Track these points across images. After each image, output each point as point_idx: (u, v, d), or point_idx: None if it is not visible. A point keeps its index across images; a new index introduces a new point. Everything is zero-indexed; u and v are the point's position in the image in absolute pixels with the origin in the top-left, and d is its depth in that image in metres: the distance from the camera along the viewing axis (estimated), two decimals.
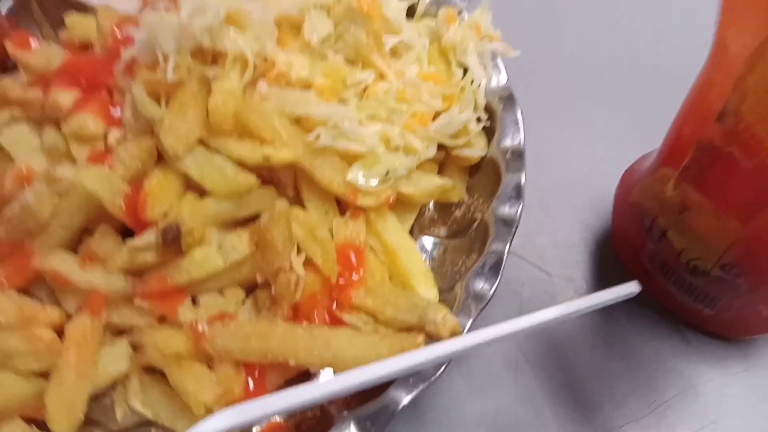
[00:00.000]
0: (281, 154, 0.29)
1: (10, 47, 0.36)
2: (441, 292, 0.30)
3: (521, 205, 0.29)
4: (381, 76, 0.32)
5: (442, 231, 0.33)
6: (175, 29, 0.29)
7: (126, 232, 0.30)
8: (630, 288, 0.24)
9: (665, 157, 0.26)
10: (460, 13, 0.36)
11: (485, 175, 0.32)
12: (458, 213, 0.33)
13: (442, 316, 0.26)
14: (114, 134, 0.30)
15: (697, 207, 0.25)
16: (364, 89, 0.32)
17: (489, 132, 0.33)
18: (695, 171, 0.24)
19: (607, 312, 0.28)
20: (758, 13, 0.19)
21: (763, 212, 0.22)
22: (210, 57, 0.30)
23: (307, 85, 0.31)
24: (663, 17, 0.41)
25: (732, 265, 0.25)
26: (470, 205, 0.33)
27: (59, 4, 0.40)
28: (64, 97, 0.30)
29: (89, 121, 0.29)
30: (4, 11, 0.40)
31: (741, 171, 0.22)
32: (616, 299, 0.23)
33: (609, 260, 0.32)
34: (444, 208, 0.34)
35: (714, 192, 0.24)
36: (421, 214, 0.34)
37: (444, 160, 0.33)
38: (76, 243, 0.30)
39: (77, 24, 0.35)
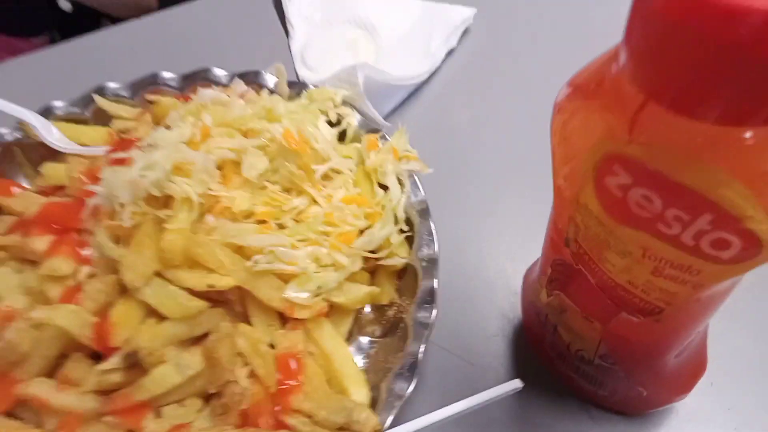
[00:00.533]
0: (224, 281, 0.33)
1: None
2: (373, 388, 0.34)
3: (434, 310, 0.34)
4: (314, 201, 0.38)
5: (378, 330, 0.38)
6: (128, 183, 0.34)
7: (97, 354, 0.34)
8: (514, 384, 0.28)
9: (542, 269, 0.31)
10: (382, 137, 0.41)
11: (410, 279, 0.37)
12: (391, 312, 0.38)
13: (365, 416, 0.30)
14: (83, 271, 0.35)
15: (569, 309, 0.29)
16: (299, 213, 0.37)
17: (411, 240, 0.38)
18: (559, 281, 0.28)
19: (523, 396, 0.33)
20: (573, 174, 0.24)
21: (616, 317, 0.27)
22: (162, 200, 0.36)
23: (249, 215, 0.37)
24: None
25: (607, 356, 0.30)
26: (400, 306, 0.37)
27: (38, 148, 0.46)
28: (39, 243, 0.36)
29: (62, 265, 0.34)
30: None
31: (590, 284, 0.27)
32: (503, 395, 0.28)
33: (523, 348, 0.37)
34: (379, 308, 0.38)
35: (576, 299, 0.28)
36: (360, 314, 0.38)
37: (375, 266, 0.38)
38: (53, 368, 0.35)
39: (52, 171, 0.41)
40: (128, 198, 0.34)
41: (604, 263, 0.25)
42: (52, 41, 0.73)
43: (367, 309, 0.39)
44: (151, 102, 0.47)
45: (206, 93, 0.40)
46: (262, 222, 0.37)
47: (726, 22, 0.15)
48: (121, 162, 0.37)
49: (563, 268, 0.28)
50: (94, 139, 0.45)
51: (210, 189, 0.36)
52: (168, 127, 0.38)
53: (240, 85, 0.43)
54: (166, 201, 0.36)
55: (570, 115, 0.24)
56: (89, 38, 0.62)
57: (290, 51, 0.56)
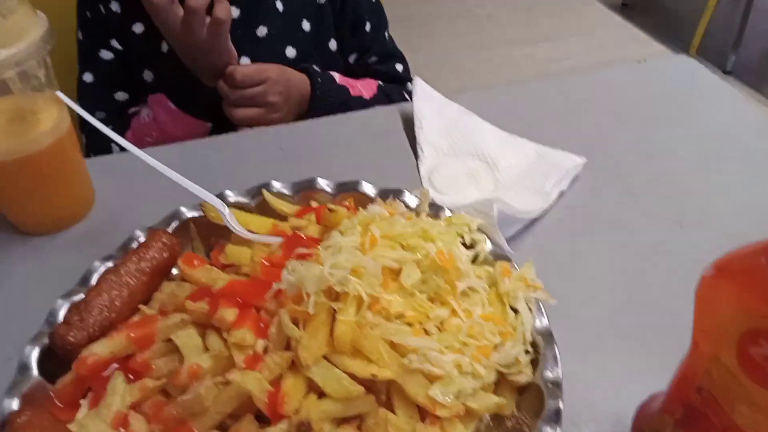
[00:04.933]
0: (384, 373, 0.39)
1: (181, 263, 0.50)
2: None
3: (559, 429, 0.39)
4: (454, 313, 0.44)
5: None
6: (317, 278, 0.41)
7: (261, 417, 0.40)
8: None
9: (665, 407, 0.36)
10: (511, 262, 0.48)
11: (531, 396, 0.42)
12: (509, 424, 0.43)
13: None
14: (261, 344, 0.42)
15: None
16: (442, 322, 0.44)
17: (535, 361, 0.44)
18: (686, 423, 0.33)
19: None
20: (714, 337, 0.30)
21: None
22: (334, 294, 0.43)
23: (400, 317, 0.43)
24: (678, 269, 0.53)
25: None
26: (519, 419, 0.42)
27: (208, 227, 0.55)
28: (228, 314, 0.43)
29: (247, 336, 0.41)
30: (170, 230, 0.54)
31: (717, 428, 0.32)
32: None
33: None
34: (498, 418, 0.43)
35: None
36: (480, 420, 0.43)
37: (498, 380, 0.44)
38: (223, 425, 0.40)
39: (236, 253, 0.49)
40: (314, 289, 0.41)
41: (735, 413, 0.31)
42: (214, 126, 0.84)
43: (486, 417, 0.44)
44: (311, 203, 0.56)
45: (374, 209, 0.48)
46: (408, 324, 0.43)
47: None
48: (305, 257, 0.44)
49: (692, 412, 0.33)
50: (260, 228, 0.53)
51: (375, 290, 0.43)
52: (341, 233, 0.46)
53: (400, 206, 0.51)
54: (337, 294, 0.43)
55: (716, 290, 0.31)
56: (246, 135, 0.73)
57: (418, 172, 0.65)
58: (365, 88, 0.90)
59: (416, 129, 0.68)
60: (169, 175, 0.53)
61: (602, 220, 0.60)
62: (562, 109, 0.75)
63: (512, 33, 2.89)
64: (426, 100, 0.70)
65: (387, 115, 0.74)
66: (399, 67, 0.98)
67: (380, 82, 0.92)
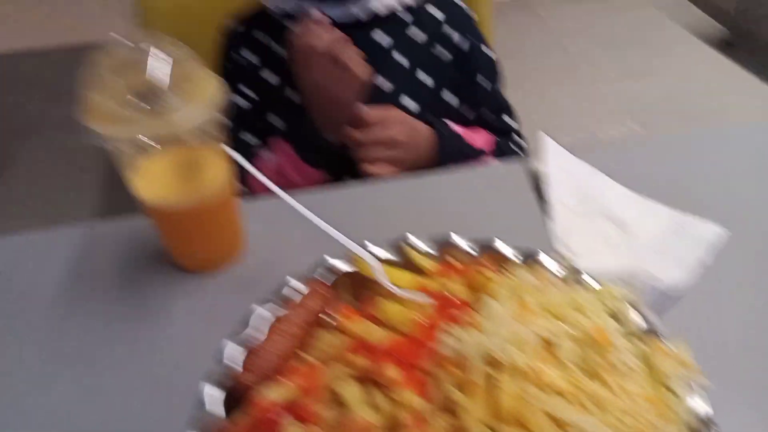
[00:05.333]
0: None
1: (339, 315, 0.53)
2: None
3: None
4: (609, 389, 0.45)
5: None
6: (479, 345, 0.43)
7: None
8: None
9: None
10: (663, 339, 0.48)
11: None
12: None
13: None
14: (422, 405, 0.44)
15: None
16: (597, 399, 0.44)
17: None
18: None
19: None
20: None
21: None
22: (493, 362, 0.44)
23: (555, 390, 0.44)
24: None
25: None
26: None
27: (355, 277, 0.58)
28: (393, 373, 0.45)
29: (414, 398, 0.44)
30: (324, 276, 0.58)
31: None
32: None
33: None
34: None
35: None
36: None
37: None
38: None
39: (390, 309, 0.52)
40: (476, 357, 0.43)
41: None
42: (331, 178, 0.88)
43: None
44: (448, 259, 0.58)
45: (526, 276, 0.50)
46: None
47: None
48: (461, 321, 0.46)
49: None
50: (405, 284, 0.56)
51: (533, 362, 0.44)
52: (493, 298, 0.48)
53: (547, 272, 0.52)
54: (495, 362, 0.44)
55: None
56: (376, 187, 0.76)
57: (549, 231, 0.66)
58: (483, 140, 0.92)
59: (546, 187, 0.69)
60: (319, 224, 0.57)
61: (751, 295, 0.59)
62: (697, 169, 0.74)
63: (606, 69, 2.85)
64: (555, 158, 0.72)
65: (512, 171, 0.76)
66: (510, 120, 1.00)
67: (496, 138, 0.95)
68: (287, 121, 0.92)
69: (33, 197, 2.26)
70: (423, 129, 0.86)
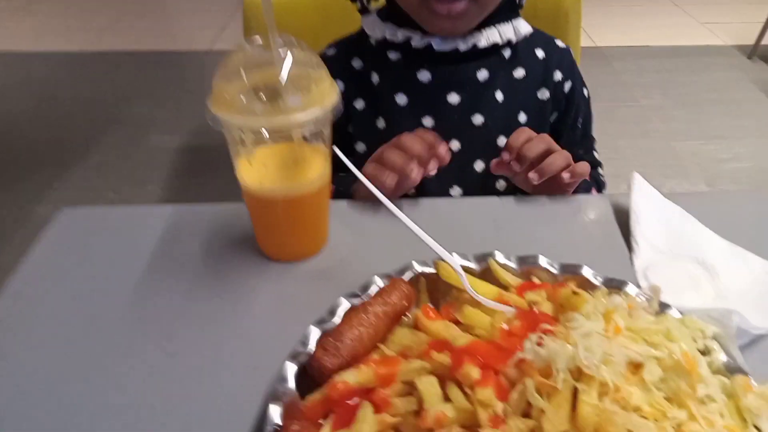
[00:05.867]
0: None
1: (419, 314, 0.55)
2: None
3: None
4: (692, 417, 0.44)
5: None
6: (569, 356, 0.44)
7: None
8: None
9: None
10: (749, 377, 0.48)
11: None
12: None
13: None
14: (501, 406, 0.45)
15: None
16: (679, 425, 0.44)
17: None
18: None
19: None
20: None
21: None
22: (579, 375, 0.45)
23: (638, 410, 0.44)
24: None
25: None
26: None
27: (436, 282, 0.60)
28: (474, 371, 0.46)
29: (492, 397, 0.44)
30: (407, 278, 0.60)
31: None
32: None
33: None
34: None
35: None
36: None
37: None
38: None
39: (472, 315, 0.53)
40: (564, 367, 0.44)
41: None
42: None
43: None
44: (532, 278, 0.59)
45: (616, 300, 0.50)
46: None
47: None
48: (551, 333, 0.47)
49: None
50: (486, 294, 0.57)
51: (618, 379, 0.44)
52: (583, 316, 0.49)
53: (642, 302, 0.52)
54: (580, 375, 0.45)
55: None
56: (463, 203, 0.78)
57: (632, 264, 0.66)
58: None
59: (632, 223, 0.69)
60: (413, 228, 0.59)
61: None
62: None
63: (678, 126, 2.81)
64: (644, 196, 0.72)
65: (599, 203, 0.76)
66: (597, 155, 1.00)
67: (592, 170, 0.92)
68: (373, 147, 0.85)
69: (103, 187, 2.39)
70: None
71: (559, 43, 0.98)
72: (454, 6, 0.80)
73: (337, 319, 0.55)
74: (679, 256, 0.66)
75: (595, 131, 1.04)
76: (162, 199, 2.32)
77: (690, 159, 2.57)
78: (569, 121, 0.96)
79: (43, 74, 3.36)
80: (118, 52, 3.63)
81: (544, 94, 0.94)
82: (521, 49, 0.92)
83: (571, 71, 0.96)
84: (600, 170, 0.98)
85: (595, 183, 0.93)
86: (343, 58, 0.96)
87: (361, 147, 0.95)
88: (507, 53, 0.92)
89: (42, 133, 2.79)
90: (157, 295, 0.65)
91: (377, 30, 0.90)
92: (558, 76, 0.94)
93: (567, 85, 0.95)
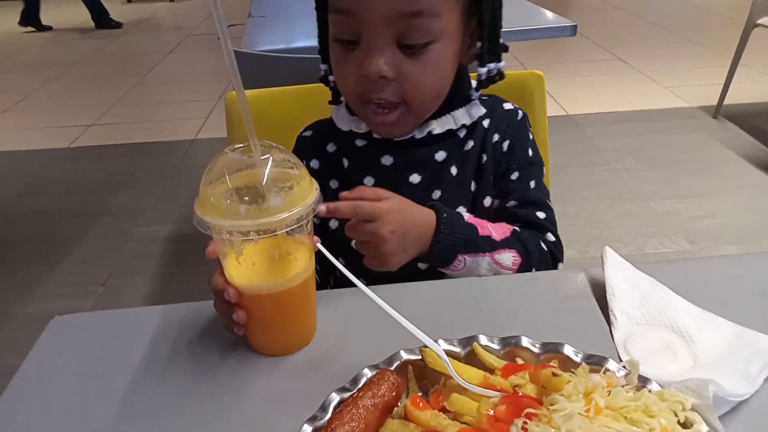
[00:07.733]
0: None
1: (409, 405, 0.56)
2: None
3: None
4: None
5: None
6: None
7: None
8: None
9: None
10: None
11: None
12: None
13: None
14: None
15: None
16: None
17: None
18: None
19: None
20: None
21: None
22: None
23: None
24: None
25: None
26: None
27: (422, 369, 0.61)
28: None
29: None
30: (395, 368, 0.61)
31: None
32: None
33: None
34: None
35: None
36: None
37: None
38: None
39: (459, 401, 0.54)
40: None
41: None
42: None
43: None
44: (516, 359, 0.61)
45: (596, 378, 0.52)
46: None
47: None
48: (535, 416, 0.49)
49: None
50: (472, 378, 0.58)
51: None
52: (564, 397, 0.50)
53: (620, 379, 0.54)
54: None
55: None
56: (443, 285, 0.81)
57: (611, 337, 0.68)
58: (496, 229, 0.89)
59: (608, 296, 0.72)
60: (397, 318, 0.61)
61: None
62: (755, 287, 0.76)
63: (651, 188, 2.90)
64: (617, 269, 0.75)
65: (574, 278, 0.79)
66: (540, 214, 0.96)
67: (515, 228, 0.92)
68: (341, 226, 0.89)
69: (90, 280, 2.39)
70: (423, 218, 0.84)
71: (507, 105, 1.01)
72: (388, 117, 0.87)
73: (329, 416, 0.56)
74: (656, 326, 0.68)
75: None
76: (152, 291, 2.32)
77: (667, 218, 2.64)
78: (500, 172, 0.97)
79: (29, 170, 3.43)
80: (104, 145, 3.73)
81: (483, 158, 0.96)
82: (473, 125, 0.97)
83: (513, 131, 0.98)
84: (550, 236, 0.95)
85: (520, 243, 0.89)
86: (319, 140, 1.03)
87: (333, 224, 0.99)
88: (462, 133, 0.96)
89: (28, 229, 2.81)
90: (150, 397, 0.65)
91: (344, 123, 0.98)
92: (496, 137, 0.97)
93: (505, 144, 0.97)
